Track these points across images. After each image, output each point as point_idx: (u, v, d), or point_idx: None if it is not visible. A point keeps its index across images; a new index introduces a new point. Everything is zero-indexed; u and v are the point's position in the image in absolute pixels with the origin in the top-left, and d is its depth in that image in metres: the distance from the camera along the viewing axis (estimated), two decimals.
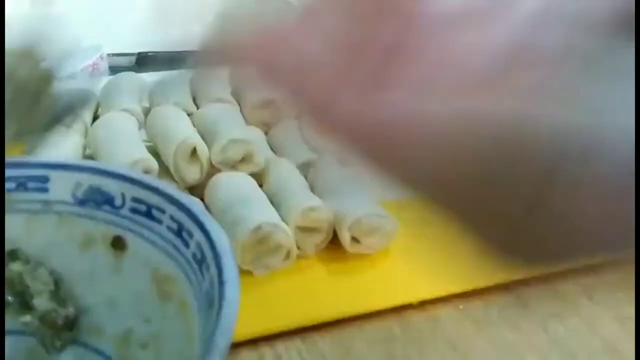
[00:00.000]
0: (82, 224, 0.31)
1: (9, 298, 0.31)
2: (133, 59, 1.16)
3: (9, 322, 0.31)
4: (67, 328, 0.31)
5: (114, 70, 1.12)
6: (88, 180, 0.31)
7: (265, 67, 0.22)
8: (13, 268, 0.31)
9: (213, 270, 0.25)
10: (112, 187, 0.30)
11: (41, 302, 0.31)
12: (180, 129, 0.47)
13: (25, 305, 0.31)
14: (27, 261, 0.31)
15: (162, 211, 0.29)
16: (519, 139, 0.18)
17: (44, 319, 0.30)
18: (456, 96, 0.19)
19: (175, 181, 0.45)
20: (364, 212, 0.41)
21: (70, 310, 0.31)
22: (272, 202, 0.43)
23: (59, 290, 0.31)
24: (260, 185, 0.45)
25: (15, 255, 0.31)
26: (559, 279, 0.40)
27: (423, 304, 0.39)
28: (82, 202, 0.31)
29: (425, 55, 0.20)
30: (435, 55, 0.20)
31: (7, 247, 0.31)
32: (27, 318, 0.30)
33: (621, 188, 0.18)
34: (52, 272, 0.31)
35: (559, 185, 0.18)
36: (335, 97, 0.20)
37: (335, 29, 0.21)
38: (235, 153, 0.46)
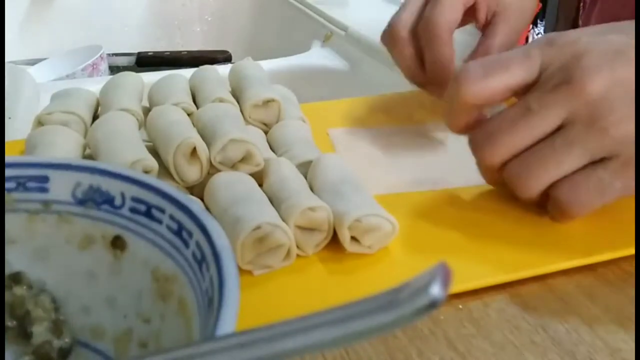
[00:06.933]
0: (82, 224, 0.31)
1: (8, 323, 0.31)
2: (133, 59, 1.16)
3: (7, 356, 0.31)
4: (60, 359, 0.31)
5: (114, 70, 1.12)
6: (88, 180, 0.31)
7: None
8: (16, 292, 0.31)
9: (213, 269, 0.25)
10: (112, 186, 0.30)
11: (40, 331, 0.30)
12: (180, 129, 0.47)
13: (24, 332, 0.31)
14: (30, 286, 0.31)
15: (162, 211, 0.29)
16: None
17: (39, 351, 0.30)
18: None
19: (175, 181, 0.45)
20: (364, 212, 0.41)
21: (66, 341, 0.31)
22: (272, 202, 0.43)
23: (58, 319, 0.31)
24: (260, 185, 0.45)
25: (18, 279, 0.31)
26: (559, 278, 0.40)
27: None
28: (81, 202, 0.31)
29: None
30: None
31: (11, 268, 0.31)
32: (25, 359, 0.30)
33: None
34: (53, 300, 0.32)
35: None
36: None
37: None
38: (235, 153, 0.46)
